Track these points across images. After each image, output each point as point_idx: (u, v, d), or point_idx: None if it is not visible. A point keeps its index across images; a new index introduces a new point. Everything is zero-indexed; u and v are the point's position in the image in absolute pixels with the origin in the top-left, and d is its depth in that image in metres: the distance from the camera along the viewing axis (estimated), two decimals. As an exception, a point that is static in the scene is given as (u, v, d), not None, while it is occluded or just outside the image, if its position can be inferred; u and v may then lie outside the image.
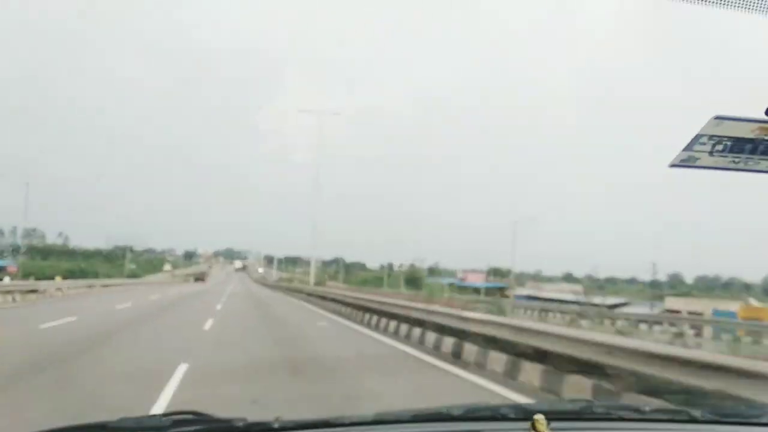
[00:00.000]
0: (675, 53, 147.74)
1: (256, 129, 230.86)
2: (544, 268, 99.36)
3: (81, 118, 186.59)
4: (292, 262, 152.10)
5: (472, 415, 1.44)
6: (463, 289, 72.85)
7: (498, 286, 77.88)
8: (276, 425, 1.26)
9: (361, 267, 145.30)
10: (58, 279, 32.38)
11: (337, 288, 32.76)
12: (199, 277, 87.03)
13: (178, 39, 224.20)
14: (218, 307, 21.93)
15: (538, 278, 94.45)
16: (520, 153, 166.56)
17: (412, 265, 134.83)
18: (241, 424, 1.23)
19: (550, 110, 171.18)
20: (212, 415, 1.30)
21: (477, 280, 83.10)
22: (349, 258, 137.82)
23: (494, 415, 1.42)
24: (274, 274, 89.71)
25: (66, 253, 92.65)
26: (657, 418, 1.48)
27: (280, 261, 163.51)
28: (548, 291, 74.12)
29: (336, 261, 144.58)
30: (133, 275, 59.48)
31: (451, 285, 74.06)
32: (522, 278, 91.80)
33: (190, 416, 1.26)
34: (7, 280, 29.36)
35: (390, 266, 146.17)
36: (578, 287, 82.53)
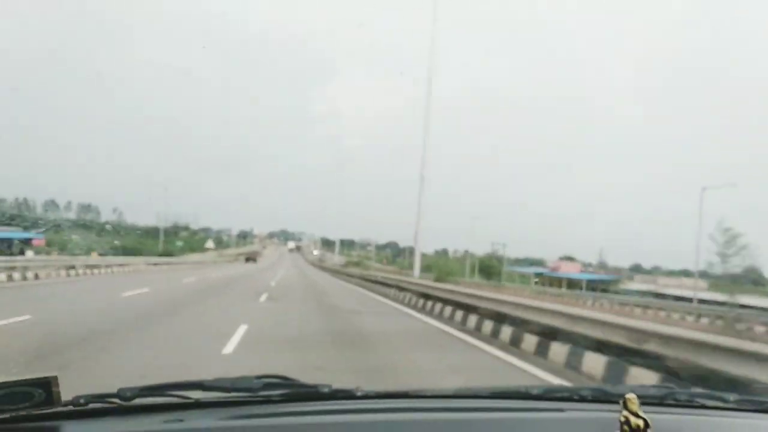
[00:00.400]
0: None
1: (311, 113, 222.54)
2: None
3: (141, 102, 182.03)
4: (347, 245, 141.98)
5: (551, 395, 1.41)
6: (555, 281, 56.46)
7: (606, 279, 61.75)
8: (359, 393, 1.31)
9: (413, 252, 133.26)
10: (93, 255, 28.02)
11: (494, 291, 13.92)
12: (251, 257, 75.33)
13: (233, 28, 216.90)
14: (236, 337, 7.50)
15: (606, 268, 77.59)
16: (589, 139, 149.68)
17: (466, 251, 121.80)
18: (326, 390, 1.27)
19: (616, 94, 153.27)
20: (299, 380, 1.31)
21: (571, 271, 66.10)
22: (402, 243, 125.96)
23: (573, 396, 1.40)
24: (336, 257, 74.45)
25: (116, 229, 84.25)
26: (741, 407, 1.40)
27: (327, 242, 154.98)
28: (667, 286, 57.29)
29: (389, 245, 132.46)
30: (167, 254, 47.72)
31: (539, 276, 57.81)
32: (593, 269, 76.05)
33: (279, 380, 1.30)
34: (30, 254, 25.51)
35: (445, 252, 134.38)
36: (701, 283, 65.81)
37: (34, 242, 32.67)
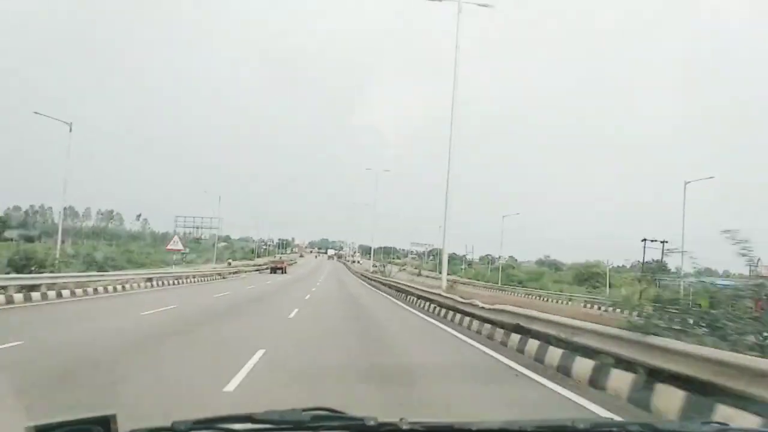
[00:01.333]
0: None
1: (348, 125, 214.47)
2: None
3: (179, 115, 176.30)
4: (386, 252, 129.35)
5: (598, 430, 1.34)
6: None
7: None
8: (404, 426, 1.25)
9: (461, 259, 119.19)
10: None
11: None
12: (277, 266, 61.25)
13: (277, 41, 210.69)
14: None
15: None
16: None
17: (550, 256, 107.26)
18: (372, 423, 1.24)
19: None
20: (346, 413, 1.28)
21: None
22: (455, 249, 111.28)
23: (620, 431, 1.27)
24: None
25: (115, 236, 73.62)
26: None
27: (368, 251, 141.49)
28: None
29: (431, 252, 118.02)
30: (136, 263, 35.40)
31: None
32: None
33: (326, 412, 1.27)
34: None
35: (487, 259, 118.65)
36: None
37: None
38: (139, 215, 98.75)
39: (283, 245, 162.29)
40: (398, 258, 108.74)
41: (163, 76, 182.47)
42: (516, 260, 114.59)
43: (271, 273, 55.61)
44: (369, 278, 45.43)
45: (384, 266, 54.82)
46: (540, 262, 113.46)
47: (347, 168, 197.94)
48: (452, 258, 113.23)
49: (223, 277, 38.89)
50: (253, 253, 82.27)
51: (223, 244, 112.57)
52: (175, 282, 27.61)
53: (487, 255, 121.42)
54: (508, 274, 54.50)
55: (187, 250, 54.55)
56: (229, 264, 52.76)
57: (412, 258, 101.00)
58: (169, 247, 33.54)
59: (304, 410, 1.25)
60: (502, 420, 1.34)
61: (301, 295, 22.95)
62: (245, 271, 50.61)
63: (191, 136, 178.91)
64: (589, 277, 45.41)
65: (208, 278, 34.88)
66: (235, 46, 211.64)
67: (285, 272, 57.75)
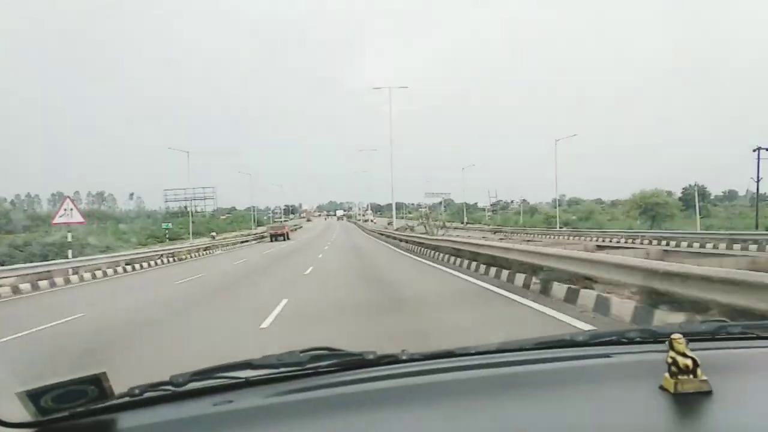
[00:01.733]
0: None
1: (344, 87, 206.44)
2: None
3: (178, 89, 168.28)
4: (397, 208, 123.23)
5: (597, 340, 1.34)
6: None
7: None
8: (404, 357, 1.26)
9: (473, 208, 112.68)
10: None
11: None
12: (278, 233, 53.01)
13: (267, 12, 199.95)
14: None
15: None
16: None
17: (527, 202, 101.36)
18: (371, 356, 1.24)
19: None
20: (344, 349, 1.27)
21: None
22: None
23: (620, 339, 1.32)
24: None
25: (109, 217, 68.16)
26: None
27: (378, 208, 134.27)
28: None
29: (444, 203, 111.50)
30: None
31: None
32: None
33: (325, 351, 1.26)
34: None
35: (499, 205, 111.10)
36: None
37: None
38: (132, 194, 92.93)
39: (291, 211, 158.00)
40: (409, 213, 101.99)
41: (157, 49, 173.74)
42: (528, 203, 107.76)
43: (271, 241, 49.71)
44: (399, 239, 31.42)
45: (428, 217, 37.90)
46: (556, 202, 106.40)
47: (350, 131, 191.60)
48: (465, 207, 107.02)
49: (179, 259, 27.60)
50: (253, 221, 76.36)
51: (227, 215, 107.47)
52: (51, 283, 16.35)
53: (499, 200, 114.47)
54: (547, 217, 47.85)
55: (144, 224, 48.50)
56: (213, 237, 46.39)
57: (425, 210, 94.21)
58: (55, 221, 19.88)
59: (301, 351, 1.21)
60: (500, 341, 1.31)
61: (273, 291, 11.35)
62: (227, 245, 40.78)
63: (190, 110, 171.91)
64: (648, 209, 38.66)
65: (152, 262, 24.17)
66: (226, 17, 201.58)
67: (288, 238, 51.86)
